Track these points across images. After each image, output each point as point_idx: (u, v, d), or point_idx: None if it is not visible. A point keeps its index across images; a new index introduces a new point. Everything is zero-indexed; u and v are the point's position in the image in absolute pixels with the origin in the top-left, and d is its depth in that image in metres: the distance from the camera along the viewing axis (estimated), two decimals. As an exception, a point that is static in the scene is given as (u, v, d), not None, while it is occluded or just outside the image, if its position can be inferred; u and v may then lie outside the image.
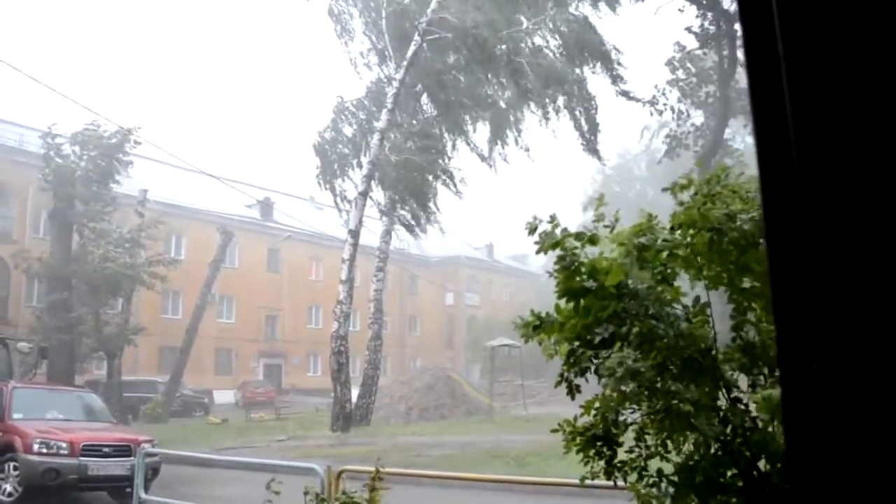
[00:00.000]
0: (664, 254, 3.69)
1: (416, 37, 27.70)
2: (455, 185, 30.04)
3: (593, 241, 3.79)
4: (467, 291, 61.90)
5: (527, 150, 32.25)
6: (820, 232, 1.14)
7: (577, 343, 3.69)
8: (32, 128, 34.79)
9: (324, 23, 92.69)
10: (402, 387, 34.93)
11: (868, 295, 1.10)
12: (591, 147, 29.49)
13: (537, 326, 3.90)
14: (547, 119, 29.69)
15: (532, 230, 3.92)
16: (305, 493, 7.49)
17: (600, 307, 3.59)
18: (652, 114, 28.06)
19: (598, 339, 3.61)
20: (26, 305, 35.13)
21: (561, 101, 29.41)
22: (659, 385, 3.47)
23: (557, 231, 3.86)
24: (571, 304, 3.72)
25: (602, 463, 3.71)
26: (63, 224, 29.53)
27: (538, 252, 4.00)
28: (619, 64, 28.42)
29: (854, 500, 1.06)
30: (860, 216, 1.11)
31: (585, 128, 29.16)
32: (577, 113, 29.17)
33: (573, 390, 3.78)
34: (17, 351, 18.34)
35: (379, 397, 30.07)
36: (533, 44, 29.07)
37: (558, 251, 3.80)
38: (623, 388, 3.50)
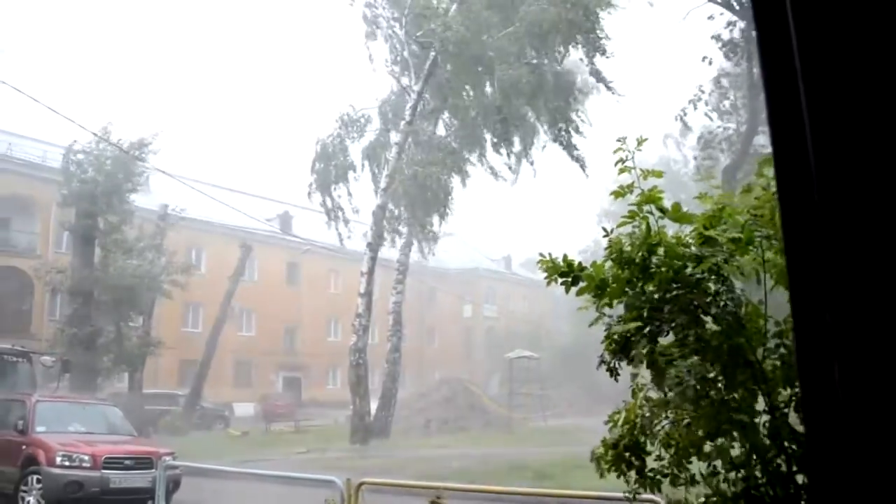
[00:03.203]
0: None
1: (433, 50, 27.64)
2: (440, 215, 29.50)
3: (683, 218, 3.54)
4: (485, 303, 61.76)
5: (525, 155, 31.51)
6: (839, 244, 1.14)
7: (634, 328, 3.49)
8: (55, 144, 35.25)
9: (342, 34, 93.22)
10: (420, 399, 34.90)
11: (888, 306, 1.10)
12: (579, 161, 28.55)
13: (565, 273, 3.69)
14: (509, 133, 29.06)
15: (544, 264, 3.75)
16: (325, 506, 7.49)
17: (662, 292, 3.42)
18: (681, 119, 27.17)
19: (657, 329, 3.46)
20: (49, 319, 35.49)
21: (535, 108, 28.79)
22: (701, 390, 3.39)
23: (634, 173, 3.62)
24: (617, 270, 3.56)
25: (633, 474, 3.65)
26: (84, 238, 29.88)
27: (546, 274, 3.80)
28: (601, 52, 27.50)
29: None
30: (879, 229, 1.11)
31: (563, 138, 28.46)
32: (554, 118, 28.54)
33: (615, 372, 3.68)
34: (41, 364, 18.54)
35: (398, 409, 30.01)
36: (517, 50, 28.14)
37: (632, 207, 3.56)
38: (676, 394, 3.41)
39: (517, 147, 30.65)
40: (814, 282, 1.17)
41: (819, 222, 1.18)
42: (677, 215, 3.58)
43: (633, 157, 3.72)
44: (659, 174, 3.77)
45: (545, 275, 3.77)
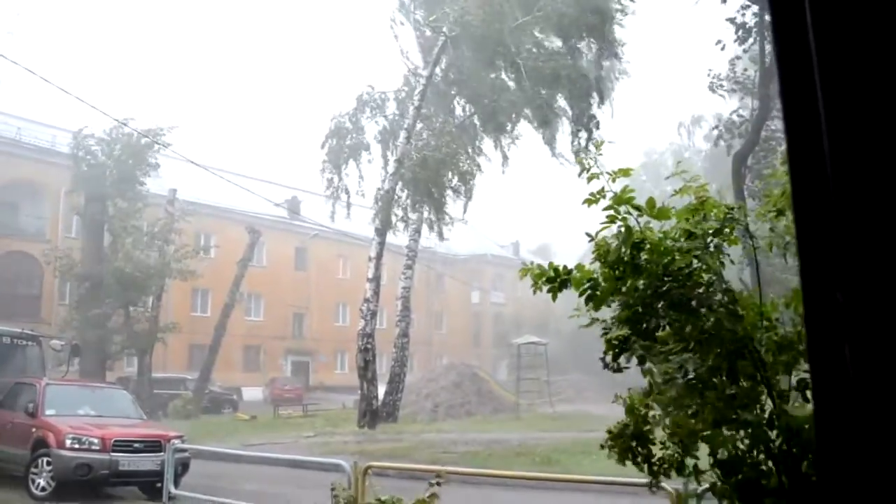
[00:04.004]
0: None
1: (443, 33, 27.47)
2: (463, 190, 29.20)
3: (661, 214, 3.54)
4: (493, 289, 61.83)
5: (551, 141, 31.06)
6: (850, 225, 1.11)
7: (627, 329, 3.53)
8: (64, 129, 35.34)
9: (355, 19, 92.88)
10: (428, 384, 34.98)
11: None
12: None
13: (552, 279, 3.73)
14: (545, 122, 28.96)
15: (530, 274, 3.82)
16: (332, 489, 7.51)
17: (653, 287, 3.43)
18: (714, 90, 26.58)
19: (653, 324, 3.47)
20: (59, 303, 35.74)
21: (560, 100, 28.58)
22: (708, 381, 3.38)
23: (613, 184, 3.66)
24: (606, 270, 3.59)
25: (645, 465, 3.67)
26: (94, 223, 29.99)
27: (534, 287, 3.86)
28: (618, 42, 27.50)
29: (884, 490, 1.04)
30: (892, 207, 1.09)
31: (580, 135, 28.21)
32: (576, 113, 28.34)
33: (620, 369, 3.71)
34: (50, 348, 18.64)
35: (406, 394, 30.08)
36: (536, 38, 27.99)
37: (609, 212, 3.60)
38: (674, 392, 3.41)
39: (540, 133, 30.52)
40: (825, 260, 1.14)
41: (831, 201, 1.15)
42: (654, 211, 3.56)
43: (596, 163, 3.77)
44: (627, 172, 3.76)
45: (531, 283, 3.82)
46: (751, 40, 24.43)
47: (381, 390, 27.69)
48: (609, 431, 3.76)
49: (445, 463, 13.71)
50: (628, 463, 3.72)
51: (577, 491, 10.58)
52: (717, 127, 26.74)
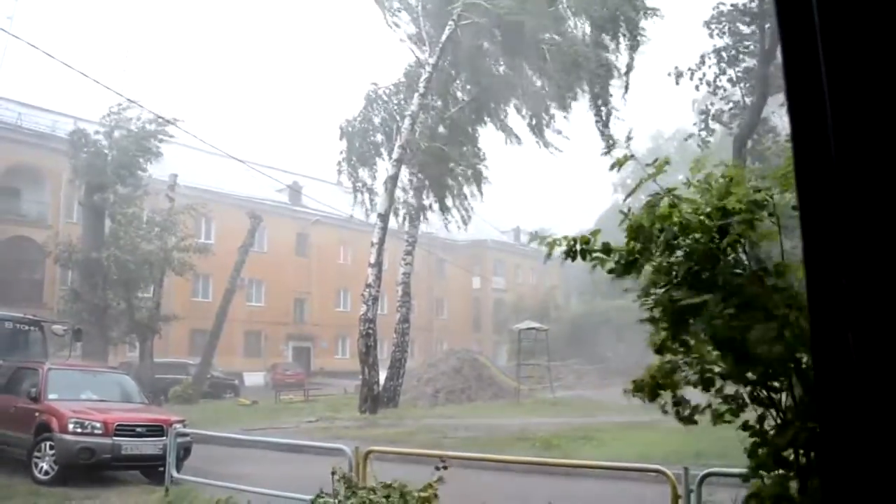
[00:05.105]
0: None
1: (451, 21, 27.39)
2: (477, 182, 29.43)
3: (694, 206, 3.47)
4: (494, 275, 61.84)
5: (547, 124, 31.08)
6: (855, 210, 1.11)
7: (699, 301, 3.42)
8: (65, 114, 35.19)
9: (356, 5, 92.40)
10: (429, 369, 35.08)
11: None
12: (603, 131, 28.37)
13: (572, 248, 3.65)
14: (566, 106, 29.11)
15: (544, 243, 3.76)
16: (333, 473, 7.53)
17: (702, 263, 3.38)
18: (690, 77, 26.47)
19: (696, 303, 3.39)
20: (61, 288, 35.77)
21: (583, 84, 28.71)
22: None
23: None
24: (632, 244, 3.54)
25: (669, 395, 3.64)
26: (95, 209, 29.95)
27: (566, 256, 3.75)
28: (642, 33, 27.60)
29: (886, 475, 1.04)
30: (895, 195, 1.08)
31: (602, 113, 28.25)
32: (595, 95, 28.36)
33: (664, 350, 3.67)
34: (53, 333, 18.68)
35: (406, 380, 30.20)
36: (566, 26, 28.20)
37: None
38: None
39: (547, 118, 30.59)
40: (829, 245, 1.14)
41: (836, 186, 1.15)
42: (691, 205, 3.53)
43: (629, 146, 3.73)
44: (661, 167, 3.71)
45: (546, 252, 3.74)
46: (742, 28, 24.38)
47: (383, 375, 27.80)
48: (650, 371, 3.73)
49: (446, 448, 13.77)
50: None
51: (578, 476, 10.63)
52: (704, 113, 26.61)
